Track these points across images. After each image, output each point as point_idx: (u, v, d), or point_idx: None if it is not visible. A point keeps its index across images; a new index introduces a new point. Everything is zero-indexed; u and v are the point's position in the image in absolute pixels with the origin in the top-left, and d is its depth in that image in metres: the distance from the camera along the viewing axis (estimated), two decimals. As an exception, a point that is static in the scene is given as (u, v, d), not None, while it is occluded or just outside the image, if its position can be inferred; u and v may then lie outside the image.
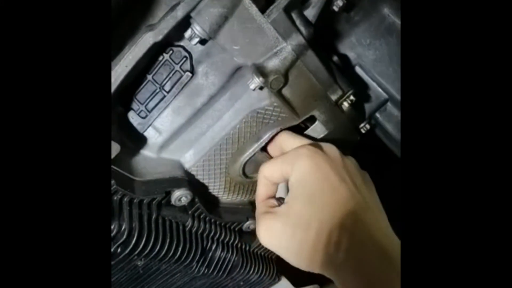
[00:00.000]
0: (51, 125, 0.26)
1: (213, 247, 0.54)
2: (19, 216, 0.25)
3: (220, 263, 0.55)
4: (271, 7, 0.40)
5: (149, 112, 0.44)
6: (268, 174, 0.45)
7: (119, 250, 0.43)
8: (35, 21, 0.26)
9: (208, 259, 0.54)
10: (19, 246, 0.25)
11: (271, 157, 0.50)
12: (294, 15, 0.42)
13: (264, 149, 0.50)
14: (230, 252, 0.56)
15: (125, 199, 0.42)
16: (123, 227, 0.42)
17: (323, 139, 0.51)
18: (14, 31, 0.25)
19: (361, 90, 0.51)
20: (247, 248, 0.60)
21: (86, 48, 0.27)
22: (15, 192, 0.25)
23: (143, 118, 0.45)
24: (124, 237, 0.42)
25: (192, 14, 0.37)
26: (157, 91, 0.44)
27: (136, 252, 0.44)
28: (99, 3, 0.28)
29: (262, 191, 0.46)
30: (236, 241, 0.57)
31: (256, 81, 0.40)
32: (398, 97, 0.49)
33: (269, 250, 0.53)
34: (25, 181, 0.25)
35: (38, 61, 0.26)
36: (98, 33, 0.28)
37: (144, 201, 0.44)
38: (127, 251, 0.43)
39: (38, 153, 0.26)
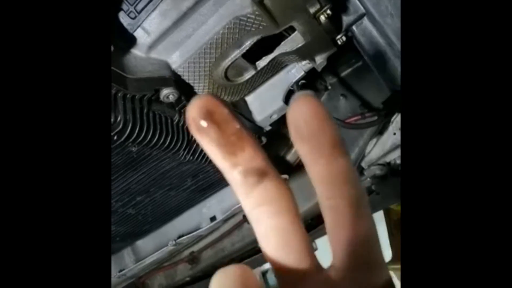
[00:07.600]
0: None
1: (198, 139, 0.62)
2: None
3: (203, 152, 0.64)
4: None
5: (138, 13, 0.47)
6: None
7: (115, 137, 0.50)
8: None
9: (193, 148, 0.63)
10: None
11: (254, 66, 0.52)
12: None
13: None
14: (213, 144, 0.64)
15: (119, 94, 0.48)
16: (118, 118, 0.48)
17: (302, 48, 0.55)
18: None
19: (341, 1, 0.53)
20: (228, 141, 0.69)
21: None
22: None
23: (133, 19, 0.48)
24: (120, 126, 0.49)
25: None
26: (145, -7, 0.46)
27: (131, 140, 0.51)
28: None
29: None
30: (218, 135, 0.65)
31: (239, -10, 0.42)
32: (374, 12, 0.52)
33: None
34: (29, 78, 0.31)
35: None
36: None
37: (136, 97, 0.50)
38: (122, 139, 0.50)
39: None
